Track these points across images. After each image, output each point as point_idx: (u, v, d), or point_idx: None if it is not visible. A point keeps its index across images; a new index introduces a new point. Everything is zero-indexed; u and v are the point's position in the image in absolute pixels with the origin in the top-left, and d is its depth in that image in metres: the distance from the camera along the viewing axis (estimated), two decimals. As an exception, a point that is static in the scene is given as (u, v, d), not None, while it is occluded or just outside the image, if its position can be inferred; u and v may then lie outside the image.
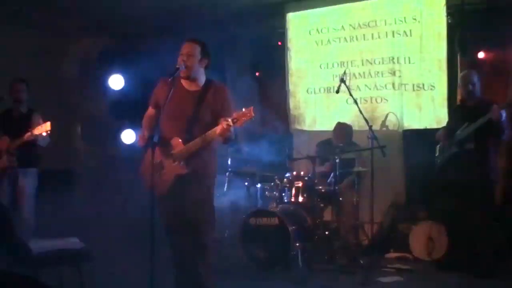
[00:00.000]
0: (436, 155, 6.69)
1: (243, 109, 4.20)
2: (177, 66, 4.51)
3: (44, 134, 6.08)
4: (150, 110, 4.85)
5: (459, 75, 6.83)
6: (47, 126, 6.06)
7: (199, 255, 4.54)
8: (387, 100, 8.13)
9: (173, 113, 4.57)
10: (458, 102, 7.14)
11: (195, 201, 4.52)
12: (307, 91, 8.77)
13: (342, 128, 7.67)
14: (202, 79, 4.67)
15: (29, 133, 6.09)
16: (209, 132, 4.37)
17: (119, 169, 8.23)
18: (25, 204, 6.50)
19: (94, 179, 8.67)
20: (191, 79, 4.62)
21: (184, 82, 4.66)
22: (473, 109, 6.32)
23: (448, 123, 6.93)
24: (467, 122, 6.23)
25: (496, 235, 6.17)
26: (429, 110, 7.84)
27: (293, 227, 6.30)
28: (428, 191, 7.20)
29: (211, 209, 4.66)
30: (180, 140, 4.48)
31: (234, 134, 4.52)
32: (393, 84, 8.08)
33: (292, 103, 8.89)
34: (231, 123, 4.18)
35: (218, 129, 4.28)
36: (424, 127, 7.85)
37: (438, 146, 6.70)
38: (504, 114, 5.93)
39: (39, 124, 6.13)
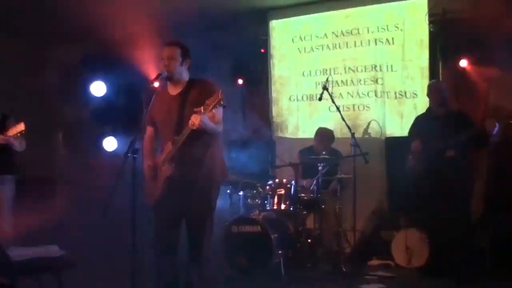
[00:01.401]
0: (411, 165, 6.70)
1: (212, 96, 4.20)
2: (159, 72, 4.51)
3: (18, 135, 5.98)
4: (148, 130, 4.81)
5: (428, 84, 6.88)
6: (20, 126, 5.95)
7: (194, 265, 4.56)
8: (369, 107, 8.17)
9: (163, 122, 4.63)
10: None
11: (196, 212, 4.53)
12: (290, 98, 8.78)
13: (324, 133, 7.69)
14: (185, 80, 4.66)
15: (1, 136, 5.99)
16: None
17: (101, 176, 8.17)
18: (2, 211, 6.39)
19: (75, 186, 8.59)
20: (175, 81, 4.61)
21: (169, 88, 4.66)
22: (444, 117, 6.45)
23: (411, 132, 6.96)
24: (435, 131, 6.29)
25: (477, 241, 6.20)
26: (411, 118, 7.79)
27: (275, 235, 6.28)
28: (410, 198, 7.21)
29: (210, 221, 4.64)
30: (170, 144, 4.48)
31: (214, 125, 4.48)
32: (376, 92, 8.12)
33: (275, 110, 8.90)
34: (201, 110, 4.16)
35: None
36: (407, 135, 7.87)
37: (410, 156, 6.72)
38: (497, 127, 5.99)
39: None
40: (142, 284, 4.18)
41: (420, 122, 6.88)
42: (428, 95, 6.83)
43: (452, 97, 7.06)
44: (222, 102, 4.18)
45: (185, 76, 4.66)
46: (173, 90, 4.65)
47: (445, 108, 6.56)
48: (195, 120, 4.20)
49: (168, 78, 4.56)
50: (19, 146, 6.23)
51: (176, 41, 4.67)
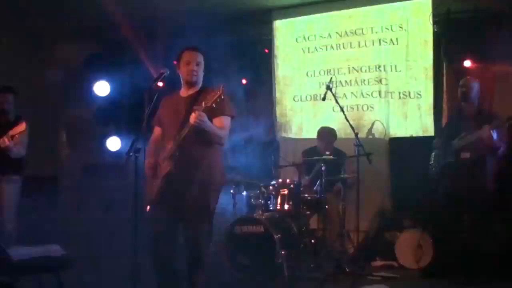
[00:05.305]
0: (431, 162, 6.62)
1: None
2: (162, 72, 4.52)
3: (17, 135, 5.93)
4: (156, 130, 4.83)
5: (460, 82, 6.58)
6: (21, 127, 5.90)
7: (193, 267, 4.52)
8: (373, 108, 8.14)
9: (169, 122, 4.64)
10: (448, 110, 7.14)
11: (193, 213, 4.48)
12: (294, 98, 8.77)
13: (325, 131, 7.67)
14: (200, 85, 4.70)
15: (2, 140, 5.90)
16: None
17: (104, 176, 8.18)
18: (7, 211, 6.38)
19: (79, 186, 8.59)
20: (194, 85, 4.65)
21: (182, 91, 4.70)
22: (471, 118, 6.27)
23: (444, 130, 6.89)
24: (464, 131, 6.18)
25: (486, 244, 6.14)
26: (415, 118, 7.86)
27: (279, 235, 6.25)
28: (415, 199, 7.19)
29: (209, 225, 4.60)
30: (172, 142, 4.47)
31: (220, 134, 4.51)
32: (380, 92, 8.09)
33: (278, 110, 8.88)
34: (202, 105, 4.19)
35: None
36: (410, 135, 7.88)
37: (433, 153, 6.64)
38: (495, 133, 5.90)
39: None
40: (143, 284, 4.17)
41: (449, 121, 6.81)
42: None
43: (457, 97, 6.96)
44: (222, 96, 4.19)
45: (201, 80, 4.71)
46: (185, 92, 4.67)
47: (472, 107, 6.35)
48: (195, 119, 4.20)
49: (193, 82, 4.60)
50: (15, 151, 6.17)
51: (197, 47, 4.72)
